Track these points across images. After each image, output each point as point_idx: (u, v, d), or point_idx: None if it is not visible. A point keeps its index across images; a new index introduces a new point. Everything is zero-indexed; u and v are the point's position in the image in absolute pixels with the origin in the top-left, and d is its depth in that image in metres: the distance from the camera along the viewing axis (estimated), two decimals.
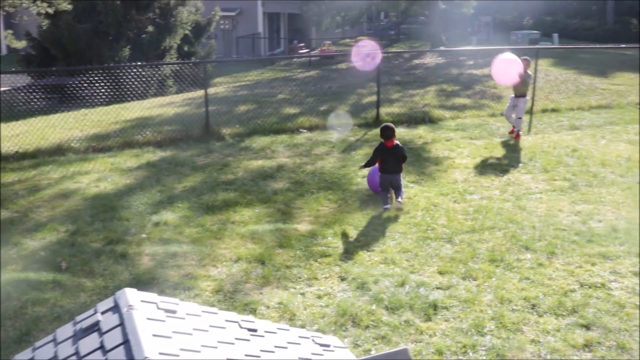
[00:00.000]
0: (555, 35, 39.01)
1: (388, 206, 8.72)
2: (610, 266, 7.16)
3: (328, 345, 2.59)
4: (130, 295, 2.53)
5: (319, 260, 7.26)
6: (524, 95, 12.80)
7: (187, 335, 2.31)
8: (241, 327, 2.44)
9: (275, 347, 2.37)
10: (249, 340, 2.36)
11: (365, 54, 18.76)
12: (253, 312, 6.13)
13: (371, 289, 6.53)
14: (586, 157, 11.50)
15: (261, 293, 6.50)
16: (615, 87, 19.60)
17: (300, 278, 6.83)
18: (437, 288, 6.58)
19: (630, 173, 10.59)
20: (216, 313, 2.52)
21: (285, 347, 2.41)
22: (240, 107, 16.75)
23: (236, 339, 2.33)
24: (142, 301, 2.51)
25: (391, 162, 8.86)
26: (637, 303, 6.36)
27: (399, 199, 8.80)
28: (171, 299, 2.66)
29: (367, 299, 6.32)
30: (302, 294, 6.49)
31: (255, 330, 2.45)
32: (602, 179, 10.27)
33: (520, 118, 12.85)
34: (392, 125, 9.04)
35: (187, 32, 29.47)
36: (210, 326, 2.36)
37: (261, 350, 2.29)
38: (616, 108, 16.69)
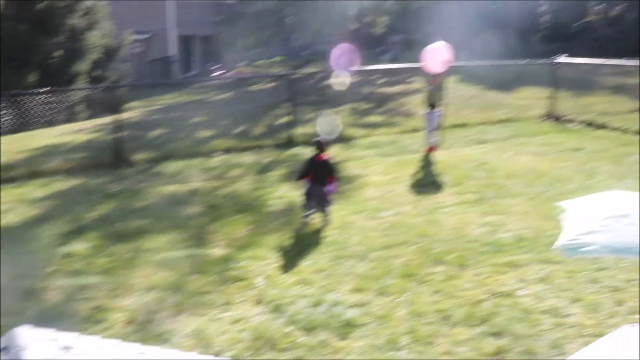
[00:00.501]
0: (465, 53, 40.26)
1: (307, 219, 8.92)
2: (518, 274, 7.41)
3: None
4: (23, 334, 2.42)
5: (234, 284, 7.18)
6: (435, 107, 13.30)
7: None
8: None
9: None
10: None
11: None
12: (167, 341, 5.99)
13: (287, 310, 6.51)
14: (493, 170, 11.90)
15: (175, 321, 6.37)
16: (519, 101, 20.38)
17: (215, 304, 6.74)
18: (352, 306, 6.63)
19: (534, 184, 11.02)
20: (118, 345, 2.44)
21: None
22: (153, 131, 16.48)
23: None
24: (36, 339, 2.41)
25: (319, 175, 8.96)
26: (543, 308, 6.59)
27: (325, 213, 8.98)
28: (70, 333, 2.56)
29: (282, 321, 6.30)
30: (218, 319, 6.40)
31: None
32: (509, 190, 10.64)
33: (434, 130, 13.23)
34: (324, 140, 9.37)
35: (97, 56, 28.78)
36: None
37: None
38: (521, 121, 17.35)
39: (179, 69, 40.61)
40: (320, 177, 8.96)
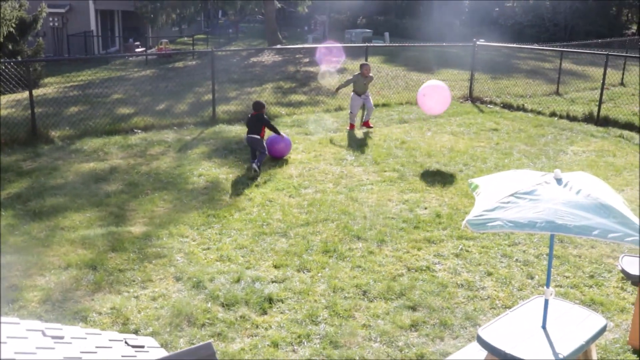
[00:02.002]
0: (387, 34, 40.66)
1: (254, 165, 10.44)
2: (435, 250, 7.64)
3: (142, 347, 2.56)
4: None
5: (153, 262, 7.12)
6: (365, 92, 13.97)
7: None
8: (45, 336, 2.35)
9: (82, 352, 2.31)
10: (53, 348, 2.28)
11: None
12: (84, 319, 5.90)
13: (207, 287, 6.51)
14: (413, 149, 12.14)
15: (92, 299, 6.27)
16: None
17: (134, 281, 6.67)
18: (273, 282, 6.69)
19: (452, 162, 11.32)
20: (18, 323, 2.41)
21: (94, 352, 2.35)
22: (71, 108, 15.99)
23: (38, 348, 2.24)
24: None
25: (253, 126, 10.88)
26: (458, 282, 6.82)
27: (255, 164, 10.45)
28: None
29: (202, 298, 6.30)
30: (136, 297, 6.34)
31: (61, 338, 2.37)
32: (428, 168, 10.90)
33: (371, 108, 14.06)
34: (260, 101, 11.34)
35: (10, 29, 27.58)
36: (9, 337, 2.25)
37: (65, 358, 2.22)
38: None
39: (99, 45, 39.43)
40: (255, 129, 10.83)
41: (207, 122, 14.25)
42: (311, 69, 23.53)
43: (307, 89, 18.98)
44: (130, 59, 33.81)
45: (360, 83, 13.79)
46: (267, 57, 26.97)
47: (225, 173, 10.44)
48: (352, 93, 13.97)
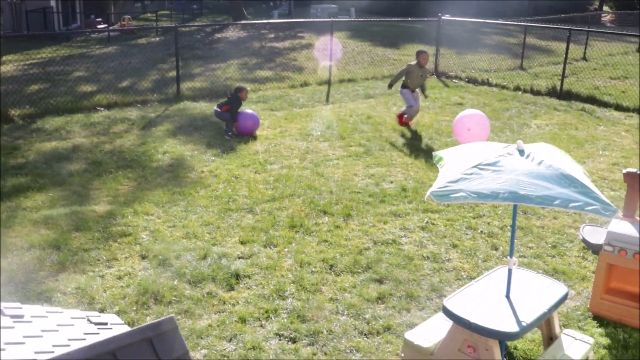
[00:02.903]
0: (352, 9, 40.50)
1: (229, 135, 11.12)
2: (400, 223, 7.69)
3: (105, 324, 2.54)
4: None
5: (118, 240, 7.05)
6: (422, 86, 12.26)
7: None
8: (4, 315, 2.31)
9: (43, 331, 2.28)
10: (13, 327, 2.25)
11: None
12: (48, 300, 5.83)
13: (173, 264, 6.47)
14: (379, 124, 12.16)
15: (57, 280, 6.19)
16: (406, 57, 20.81)
17: (99, 260, 6.60)
18: (239, 258, 6.68)
19: (418, 136, 11.37)
20: None
21: (56, 330, 2.32)
22: (31, 86, 15.66)
23: None
24: None
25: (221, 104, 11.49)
26: (424, 254, 6.89)
27: (227, 133, 11.14)
28: None
29: (169, 275, 6.26)
30: (102, 276, 6.28)
31: (21, 317, 2.34)
32: (393, 143, 10.94)
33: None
34: (241, 86, 11.79)
35: None
36: None
37: (25, 337, 2.19)
38: None
39: (59, 21, 38.58)
40: (221, 104, 11.40)
41: (171, 99, 14.09)
42: (277, 44, 23.37)
43: (272, 65, 18.86)
44: (92, 35, 33.16)
45: (416, 75, 11.72)
46: (232, 33, 26.69)
47: (190, 150, 10.35)
48: (402, 88, 11.88)
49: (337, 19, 24.15)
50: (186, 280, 6.16)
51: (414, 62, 11.80)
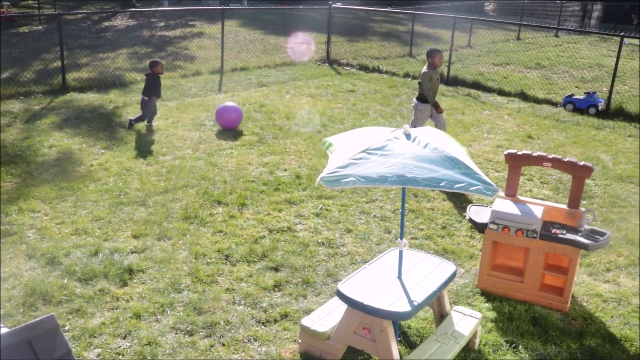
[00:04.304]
0: None
1: (148, 123, 10.95)
2: (295, 210, 7.75)
3: None
4: None
5: (2, 240, 6.72)
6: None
7: None
8: None
9: None
10: None
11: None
12: None
13: (62, 262, 6.24)
14: (272, 112, 12.17)
15: None
16: (298, 45, 20.91)
17: None
18: (132, 252, 6.53)
19: (310, 124, 11.47)
20: None
21: None
22: None
23: None
24: None
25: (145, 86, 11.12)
26: (319, 240, 6.97)
27: (150, 124, 10.97)
28: None
29: (58, 274, 6.04)
30: None
31: None
32: (287, 131, 10.98)
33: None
34: (155, 59, 11.46)
35: None
36: None
37: None
38: (298, 65, 17.85)
39: None
40: (145, 89, 11.06)
41: (56, 90, 13.52)
42: (167, 33, 22.88)
43: (163, 54, 18.43)
44: None
45: (434, 80, 9.45)
46: (121, 22, 25.90)
47: (78, 143, 9.98)
48: (416, 101, 9.58)
49: (228, 7, 23.90)
50: (77, 278, 5.96)
51: (425, 68, 9.46)
